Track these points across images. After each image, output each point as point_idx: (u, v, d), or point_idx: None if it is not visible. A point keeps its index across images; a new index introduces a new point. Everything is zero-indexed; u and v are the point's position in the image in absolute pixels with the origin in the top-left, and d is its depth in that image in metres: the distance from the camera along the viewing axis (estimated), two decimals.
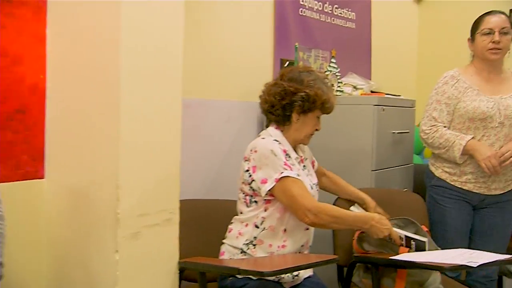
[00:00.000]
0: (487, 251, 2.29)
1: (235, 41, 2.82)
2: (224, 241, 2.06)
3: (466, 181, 2.45)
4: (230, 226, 2.06)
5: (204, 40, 2.65)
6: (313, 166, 2.23)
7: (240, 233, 1.99)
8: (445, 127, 2.47)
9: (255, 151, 1.94)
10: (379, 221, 1.95)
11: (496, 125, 2.40)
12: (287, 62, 2.94)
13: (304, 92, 1.96)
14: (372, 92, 2.91)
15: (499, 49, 2.41)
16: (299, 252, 2.00)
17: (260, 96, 2.09)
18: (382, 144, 2.70)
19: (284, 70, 2.10)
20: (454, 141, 2.39)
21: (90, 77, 1.78)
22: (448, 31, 4.62)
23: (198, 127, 2.61)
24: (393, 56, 4.45)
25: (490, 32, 2.40)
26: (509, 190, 2.47)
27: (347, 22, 3.78)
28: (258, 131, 2.95)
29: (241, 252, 1.96)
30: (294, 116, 2.00)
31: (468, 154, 2.38)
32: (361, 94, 2.86)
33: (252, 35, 2.94)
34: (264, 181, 1.89)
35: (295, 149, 2.07)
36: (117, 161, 1.69)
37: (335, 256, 2.02)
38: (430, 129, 2.48)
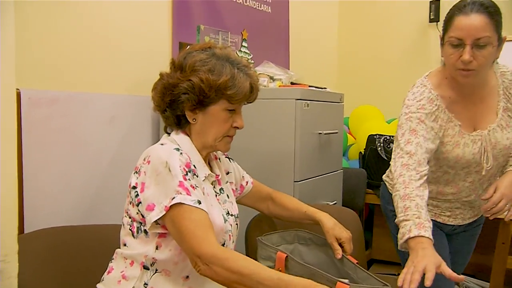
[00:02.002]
0: None
1: (121, 19, 2.26)
2: (98, 286, 1.47)
3: (440, 213, 1.95)
4: (110, 264, 1.48)
5: (80, 18, 2.07)
6: (241, 190, 1.71)
7: (123, 277, 1.41)
8: (420, 168, 1.66)
9: (148, 162, 1.37)
10: None
11: (483, 173, 1.79)
12: (188, 47, 2.37)
13: (188, 80, 1.41)
14: (292, 83, 2.40)
15: (471, 70, 1.64)
16: None
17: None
18: (307, 148, 2.18)
19: (178, 55, 1.53)
20: (408, 217, 1.56)
21: None
22: (370, 21, 4.45)
23: (70, 129, 2.03)
24: (313, 45, 4.13)
25: (459, 44, 1.63)
26: (481, 216, 1.99)
27: (262, 5, 3.31)
28: (152, 133, 2.39)
29: None
30: (188, 114, 1.45)
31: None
32: (279, 86, 2.34)
33: (144, 13, 2.38)
34: (150, 208, 1.33)
35: (210, 163, 1.55)
36: None
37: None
38: (399, 169, 1.67)
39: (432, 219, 1.63)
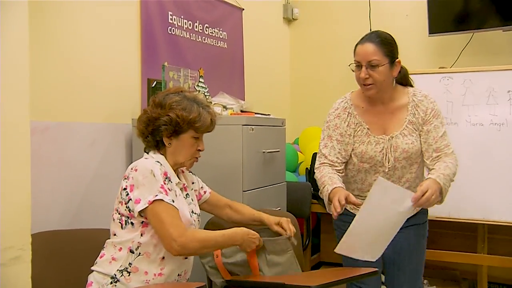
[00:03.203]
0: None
1: (98, 60, 2.69)
2: (93, 268, 1.93)
3: None
4: (102, 251, 1.94)
5: (64, 58, 2.51)
6: (200, 197, 2.18)
7: (113, 258, 1.87)
8: (335, 166, 2.20)
9: (135, 170, 1.86)
10: (248, 234, 1.94)
11: (387, 170, 2.17)
12: (155, 82, 2.84)
13: (167, 115, 1.91)
14: (242, 111, 2.90)
15: (368, 84, 2.11)
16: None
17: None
18: (252, 163, 2.68)
19: (155, 95, 2.04)
20: (325, 186, 2.10)
21: None
22: (318, 50, 4.91)
23: (58, 152, 2.45)
24: (266, 75, 4.56)
25: (359, 65, 2.11)
26: (416, 213, 2.24)
27: (219, 42, 3.78)
28: (126, 154, 2.83)
29: (113, 281, 1.84)
30: (165, 140, 1.96)
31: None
32: (231, 114, 2.83)
33: (117, 53, 2.82)
34: (137, 201, 1.81)
35: (178, 175, 2.02)
36: None
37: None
38: (318, 166, 2.24)
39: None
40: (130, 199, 1.84)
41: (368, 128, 2.20)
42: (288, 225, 2.11)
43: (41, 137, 2.36)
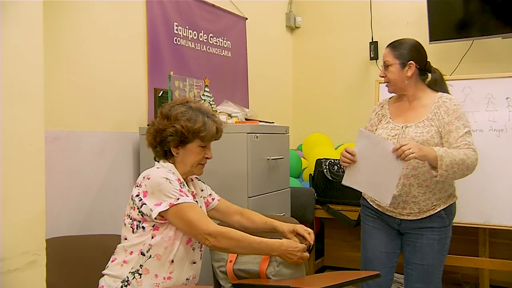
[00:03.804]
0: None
1: (106, 70, 2.77)
2: (104, 272, 1.99)
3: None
4: (113, 256, 2.00)
5: (73, 69, 2.58)
6: (207, 204, 2.23)
7: (125, 261, 1.93)
8: None
9: (148, 178, 1.92)
10: (288, 248, 1.94)
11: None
12: (161, 92, 2.91)
13: (173, 127, 1.98)
14: (246, 119, 2.96)
15: (386, 82, 2.43)
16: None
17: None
18: (257, 170, 2.75)
19: (162, 107, 2.10)
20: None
21: None
22: (321, 58, 4.98)
23: (68, 161, 2.51)
24: (269, 83, 4.62)
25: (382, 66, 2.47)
26: (425, 217, 2.34)
27: (223, 51, 3.86)
28: (134, 162, 2.89)
29: (123, 285, 1.90)
30: (173, 150, 2.02)
31: None
32: (236, 122, 2.90)
33: (124, 64, 2.90)
34: (157, 204, 1.87)
35: (187, 183, 2.08)
36: None
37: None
38: None
39: (375, 208, 2.44)
40: (144, 204, 1.89)
41: (390, 117, 2.47)
42: (306, 233, 2.10)
43: (52, 146, 2.43)
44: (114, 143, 2.79)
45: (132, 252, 1.93)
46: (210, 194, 2.26)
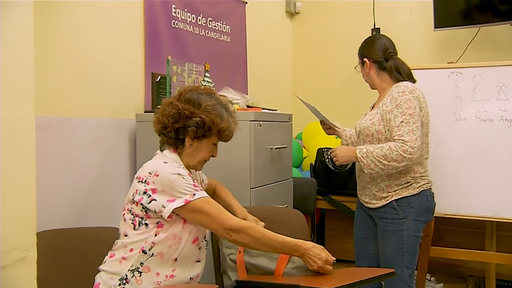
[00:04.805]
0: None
1: (102, 54, 2.64)
2: (101, 268, 1.86)
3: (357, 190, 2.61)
4: (111, 252, 1.87)
5: (67, 53, 2.45)
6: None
7: (124, 258, 1.81)
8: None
9: (156, 175, 1.78)
10: (308, 251, 1.83)
11: (361, 139, 2.50)
12: (159, 77, 2.78)
13: (200, 117, 1.84)
14: (248, 107, 2.83)
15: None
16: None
17: (154, 114, 1.94)
18: (260, 160, 2.62)
19: (184, 88, 1.95)
20: None
21: None
22: (321, 44, 4.87)
23: (61, 149, 2.38)
24: (269, 69, 4.52)
25: None
26: (380, 207, 2.42)
27: (222, 35, 3.73)
28: (130, 150, 2.77)
29: (121, 282, 1.77)
30: (188, 140, 1.88)
31: None
32: (237, 109, 2.77)
33: (120, 47, 2.76)
34: (171, 200, 1.75)
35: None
36: None
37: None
38: None
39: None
40: (154, 200, 1.76)
41: (371, 107, 2.60)
42: (254, 221, 2.05)
43: (45, 133, 2.30)
44: (110, 130, 2.66)
45: (132, 249, 1.81)
46: (202, 180, 2.16)
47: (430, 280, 3.47)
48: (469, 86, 3.04)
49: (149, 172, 1.80)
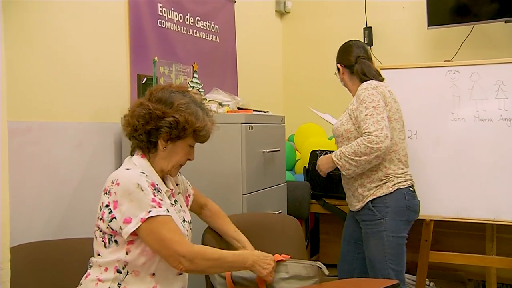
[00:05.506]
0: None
1: (84, 54, 2.50)
2: None
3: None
4: (88, 270, 1.73)
5: (46, 53, 2.31)
6: (187, 200, 1.98)
7: (99, 280, 1.66)
8: None
9: (117, 184, 1.62)
10: (259, 257, 1.76)
11: (338, 142, 2.53)
12: (145, 78, 2.65)
13: (173, 117, 1.69)
14: (239, 109, 2.71)
15: None
16: None
17: (124, 117, 1.79)
18: (252, 164, 2.50)
19: (155, 88, 1.80)
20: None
21: None
22: (312, 44, 4.78)
23: (42, 155, 2.25)
24: (259, 70, 4.43)
25: None
26: (360, 210, 2.43)
27: (211, 35, 3.61)
28: (115, 155, 2.64)
29: None
30: (161, 143, 1.73)
31: None
32: (227, 112, 2.65)
33: (104, 47, 2.63)
34: (127, 221, 1.59)
35: (164, 181, 1.80)
36: None
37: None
38: None
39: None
40: (114, 218, 1.62)
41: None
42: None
43: (23, 139, 2.16)
44: (94, 134, 2.52)
45: (107, 268, 1.67)
46: (187, 189, 2.00)
47: (429, 286, 3.36)
48: (467, 85, 2.95)
49: (112, 181, 1.66)
